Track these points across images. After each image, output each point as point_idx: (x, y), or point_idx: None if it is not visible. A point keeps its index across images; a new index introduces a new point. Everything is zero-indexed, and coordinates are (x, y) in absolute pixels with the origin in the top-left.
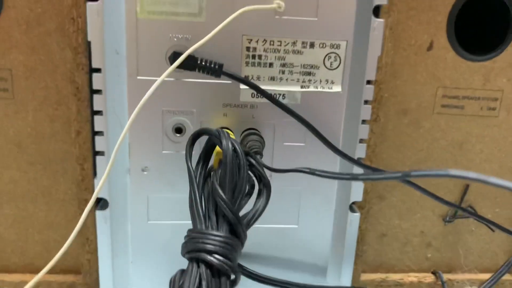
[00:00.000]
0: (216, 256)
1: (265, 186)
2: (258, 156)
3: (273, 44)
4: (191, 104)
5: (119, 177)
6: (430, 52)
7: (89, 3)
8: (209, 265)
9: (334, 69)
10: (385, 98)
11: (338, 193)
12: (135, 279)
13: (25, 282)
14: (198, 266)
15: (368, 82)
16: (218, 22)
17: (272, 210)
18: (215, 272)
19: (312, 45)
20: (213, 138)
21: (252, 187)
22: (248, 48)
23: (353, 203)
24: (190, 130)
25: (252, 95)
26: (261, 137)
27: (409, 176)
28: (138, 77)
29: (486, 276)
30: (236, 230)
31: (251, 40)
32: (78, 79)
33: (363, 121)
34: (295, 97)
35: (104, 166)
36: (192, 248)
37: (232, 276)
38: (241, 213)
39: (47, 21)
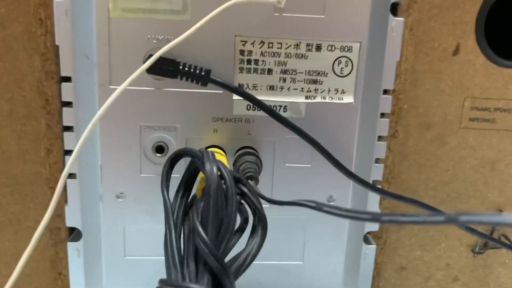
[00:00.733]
0: None
1: (261, 221)
2: (252, 182)
3: (272, 47)
4: (175, 118)
5: (92, 204)
6: (457, 57)
7: (56, 1)
8: None
9: (345, 76)
10: (405, 110)
11: (351, 222)
12: None
13: None
14: None
15: (385, 91)
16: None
17: (273, 243)
18: None
19: (318, 47)
20: (195, 161)
21: (245, 221)
22: (242, 52)
23: (368, 233)
24: (174, 149)
25: (247, 107)
26: (258, 158)
27: (456, 222)
28: (111, 86)
29: None
30: (221, 281)
31: (245, 41)
32: (47, 89)
33: (380, 138)
34: (299, 109)
35: (76, 191)
36: None
37: None
38: (231, 253)
39: (12, 23)
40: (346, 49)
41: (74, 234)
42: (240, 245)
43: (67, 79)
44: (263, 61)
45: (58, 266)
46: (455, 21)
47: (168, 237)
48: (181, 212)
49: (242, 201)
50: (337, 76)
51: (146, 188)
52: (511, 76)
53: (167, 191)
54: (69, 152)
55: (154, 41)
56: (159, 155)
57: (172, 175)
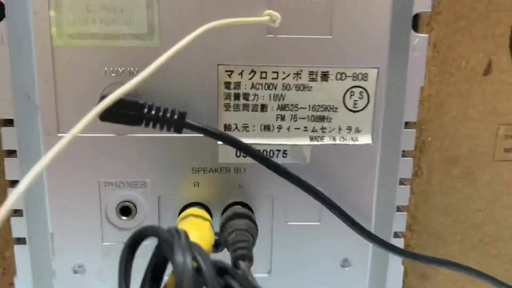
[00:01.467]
0: None
1: None
2: (244, 265)
3: (265, 77)
4: (144, 171)
5: (47, 278)
6: (488, 77)
7: None
8: None
9: (360, 110)
10: (428, 143)
11: (371, 280)
12: None
13: None
14: None
15: (406, 124)
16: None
17: None
18: None
19: (325, 76)
20: (163, 246)
21: None
22: (227, 84)
23: None
24: (144, 209)
25: (236, 153)
26: (252, 221)
27: None
28: (59, 134)
29: None
30: None
31: (231, 71)
32: None
33: (401, 180)
34: (303, 154)
35: (27, 261)
36: None
37: None
38: None
39: None
40: (360, 77)
41: None
42: None
43: (9, 121)
44: (254, 95)
45: None
46: (485, 34)
47: None
48: None
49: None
50: (350, 111)
51: (110, 259)
52: None
53: (127, 285)
54: (16, 212)
55: (113, 74)
56: (124, 218)
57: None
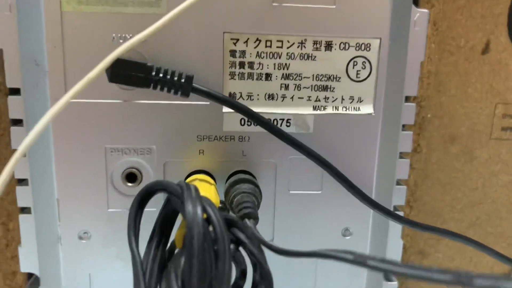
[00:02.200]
0: None
1: (264, 280)
2: (250, 222)
3: (270, 46)
4: (149, 138)
5: (51, 246)
6: (487, 56)
7: None
8: None
9: (363, 80)
10: (427, 120)
11: (371, 251)
12: None
13: None
14: None
15: (407, 99)
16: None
17: (279, 284)
18: None
19: (329, 45)
20: (173, 199)
21: (243, 274)
22: (233, 52)
23: None
24: (150, 176)
25: (241, 121)
26: (256, 186)
27: (469, 285)
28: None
29: None
30: None
31: (237, 40)
32: None
33: (401, 154)
34: (306, 123)
35: (32, 230)
36: None
37: None
38: None
39: None
40: (363, 47)
41: (32, 280)
42: None
43: (15, 91)
44: (259, 63)
45: None
46: (484, 14)
47: None
48: (156, 267)
49: (237, 250)
50: (353, 81)
51: (115, 226)
52: None
53: (136, 241)
54: (21, 182)
55: (121, 40)
56: (130, 184)
57: (147, 209)
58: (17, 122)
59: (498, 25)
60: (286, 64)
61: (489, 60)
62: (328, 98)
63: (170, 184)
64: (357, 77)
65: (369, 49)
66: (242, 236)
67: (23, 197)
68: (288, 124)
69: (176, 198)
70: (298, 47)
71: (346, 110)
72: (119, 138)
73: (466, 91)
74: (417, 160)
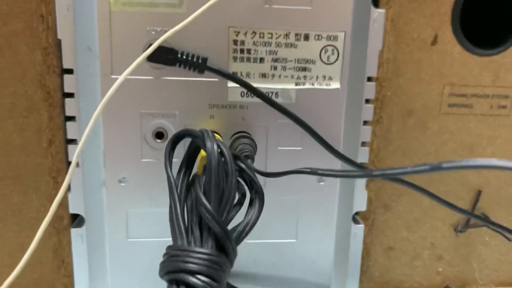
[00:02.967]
0: (200, 277)
1: (258, 194)
2: (249, 161)
3: (263, 37)
4: (173, 106)
5: (95, 190)
6: (435, 47)
7: None
8: (192, 287)
9: (332, 63)
10: (388, 98)
11: (340, 203)
12: None
13: None
14: None
15: (369, 79)
16: (200, 14)
17: (267, 223)
18: None
19: (306, 37)
20: (196, 140)
21: (243, 196)
22: (235, 42)
23: (356, 213)
24: (173, 134)
25: (241, 94)
26: (253, 141)
27: (441, 169)
28: (112, 76)
29: None
30: (224, 245)
31: (238, 32)
32: (49, 82)
33: (365, 122)
34: (290, 95)
35: (79, 178)
36: (172, 269)
37: None
38: (231, 225)
39: (14, 20)
40: (332, 38)
41: (77, 220)
42: (238, 220)
43: (69, 71)
44: (255, 50)
45: (61, 254)
46: (432, 13)
47: (173, 209)
48: (184, 187)
49: (239, 178)
50: (324, 64)
51: (147, 172)
52: (485, 64)
53: (171, 167)
54: (71, 142)
55: (153, 32)
56: (159, 140)
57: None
58: (70, 95)
59: (444, 22)
60: (275, 51)
61: (437, 50)
62: (306, 76)
63: (195, 130)
64: (328, 61)
65: (337, 39)
66: (243, 165)
67: (73, 153)
68: (276, 96)
69: (199, 139)
70: (284, 38)
71: (319, 86)
72: (150, 105)
73: (419, 75)
74: (380, 129)
